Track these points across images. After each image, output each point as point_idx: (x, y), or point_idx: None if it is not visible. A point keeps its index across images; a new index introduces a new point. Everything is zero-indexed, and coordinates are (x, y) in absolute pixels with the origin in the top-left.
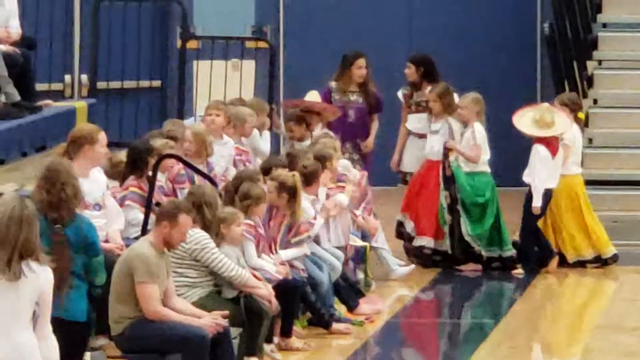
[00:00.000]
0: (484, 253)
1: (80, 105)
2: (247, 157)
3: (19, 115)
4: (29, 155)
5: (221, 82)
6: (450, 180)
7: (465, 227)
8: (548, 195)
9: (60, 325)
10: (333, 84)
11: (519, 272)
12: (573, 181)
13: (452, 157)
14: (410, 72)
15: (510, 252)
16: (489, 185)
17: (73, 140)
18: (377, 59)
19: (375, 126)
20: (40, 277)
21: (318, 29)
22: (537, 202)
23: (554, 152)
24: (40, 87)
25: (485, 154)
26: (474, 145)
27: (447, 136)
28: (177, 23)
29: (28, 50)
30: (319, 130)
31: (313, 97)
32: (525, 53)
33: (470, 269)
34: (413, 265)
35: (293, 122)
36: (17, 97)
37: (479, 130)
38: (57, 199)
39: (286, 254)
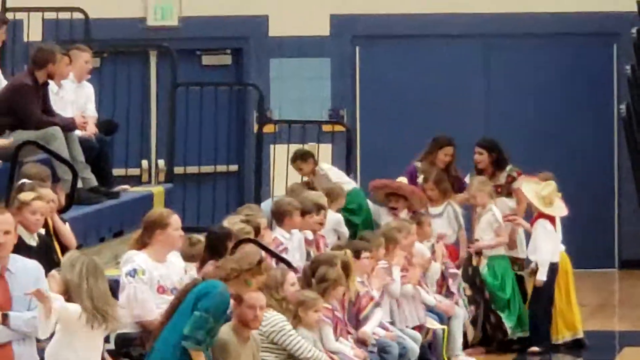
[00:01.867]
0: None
1: (158, 190)
2: (324, 241)
3: (97, 201)
4: (107, 241)
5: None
6: (475, 273)
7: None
8: (554, 269)
9: None
10: (418, 164)
11: (534, 349)
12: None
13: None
14: (482, 158)
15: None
16: (508, 271)
17: (145, 225)
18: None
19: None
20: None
21: (394, 112)
22: (542, 276)
23: (555, 226)
24: (117, 172)
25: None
26: (498, 227)
27: (452, 220)
28: (253, 107)
29: (108, 133)
30: (404, 214)
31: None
32: (601, 134)
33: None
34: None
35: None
36: (94, 183)
37: (497, 211)
38: None
39: (369, 326)
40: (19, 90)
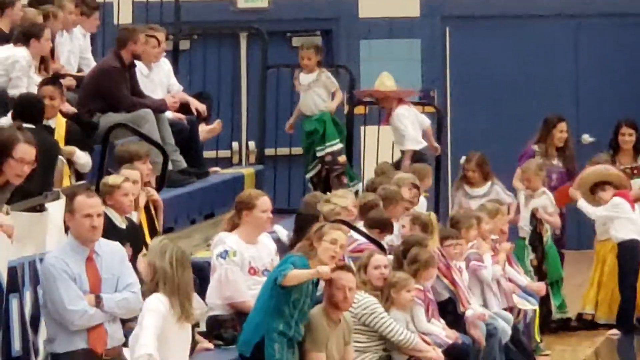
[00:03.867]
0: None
1: (248, 172)
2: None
3: (186, 182)
4: (198, 223)
5: (388, 147)
6: (539, 244)
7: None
8: (637, 249)
9: None
10: (535, 147)
11: (614, 332)
12: None
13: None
14: (631, 138)
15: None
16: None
17: (236, 207)
18: (541, 123)
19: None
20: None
21: (484, 93)
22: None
23: (632, 206)
24: (208, 154)
25: None
26: (552, 212)
27: (503, 196)
28: (344, 89)
29: (201, 107)
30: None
31: (384, 80)
32: None
33: None
34: None
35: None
36: (183, 165)
37: (551, 197)
38: None
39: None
40: (106, 73)
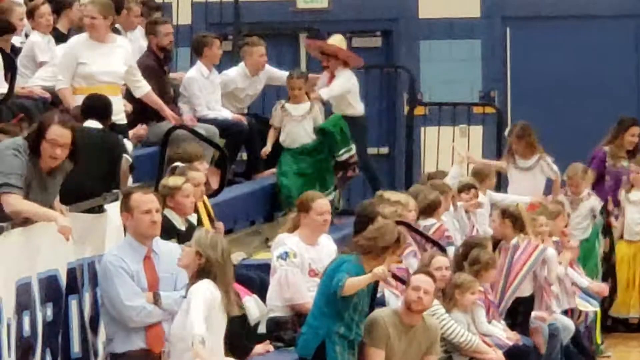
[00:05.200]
0: None
1: None
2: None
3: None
4: (257, 224)
5: (448, 148)
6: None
7: None
8: None
9: None
10: (606, 148)
11: None
12: None
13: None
14: None
15: None
16: None
17: (296, 208)
18: (601, 123)
19: None
20: None
21: (544, 93)
22: None
23: None
24: None
25: None
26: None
27: (547, 171)
28: (404, 89)
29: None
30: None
31: (337, 41)
32: None
33: None
34: None
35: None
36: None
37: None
38: None
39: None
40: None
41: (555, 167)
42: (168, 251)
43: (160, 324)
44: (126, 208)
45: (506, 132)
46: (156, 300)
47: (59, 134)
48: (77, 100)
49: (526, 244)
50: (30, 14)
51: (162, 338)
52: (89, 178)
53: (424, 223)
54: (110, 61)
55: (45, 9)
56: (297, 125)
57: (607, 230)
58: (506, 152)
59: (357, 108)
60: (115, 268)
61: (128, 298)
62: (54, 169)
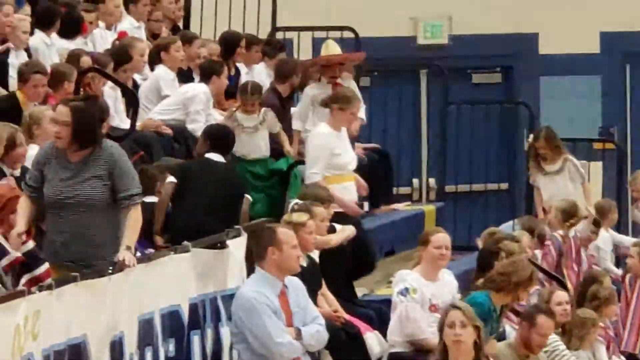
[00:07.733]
0: None
1: (429, 209)
2: (593, 260)
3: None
4: (379, 260)
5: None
6: None
7: None
8: None
9: None
10: None
11: None
12: None
13: None
14: None
15: None
16: None
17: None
18: None
19: None
20: None
21: None
22: None
23: None
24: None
25: None
26: None
27: (574, 174)
28: (524, 125)
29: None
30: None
31: (330, 49)
32: None
33: None
34: None
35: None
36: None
37: None
38: None
39: None
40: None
41: (582, 170)
42: (295, 285)
43: (299, 358)
44: (274, 242)
45: (530, 138)
46: (298, 336)
47: (59, 111)
48: None
49: None
50: (165, 48)
51: None
52: (211, 212)
53: None
54: None
55: (180, 45)
56: (252, 135)
57: None
58: (532, 160)
59: None
60: (261, 305)
61: (278, 335)
62: (85, 156)
